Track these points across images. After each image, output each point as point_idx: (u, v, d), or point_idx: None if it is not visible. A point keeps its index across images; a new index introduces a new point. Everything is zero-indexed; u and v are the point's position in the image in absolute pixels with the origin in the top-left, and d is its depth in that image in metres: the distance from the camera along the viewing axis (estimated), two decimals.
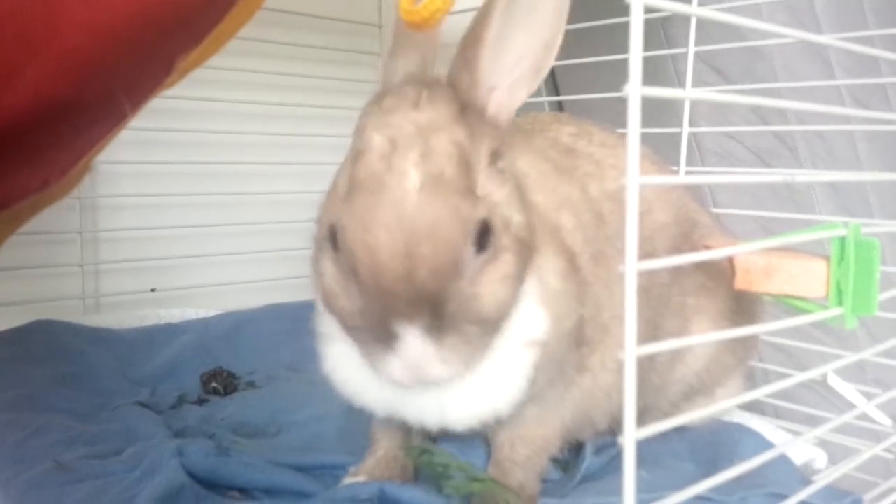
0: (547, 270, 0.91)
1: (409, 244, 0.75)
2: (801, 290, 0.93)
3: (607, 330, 1.01)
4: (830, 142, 2.05)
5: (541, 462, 1.03)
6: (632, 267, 0.64)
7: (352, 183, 0.80)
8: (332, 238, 0.82)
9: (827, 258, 0.91)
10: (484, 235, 0.80)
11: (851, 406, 1.56)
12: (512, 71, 0.88)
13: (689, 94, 0.74)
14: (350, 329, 0.83)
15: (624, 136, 1.18)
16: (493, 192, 0.83)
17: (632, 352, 0.64)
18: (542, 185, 0.98)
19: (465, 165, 0.80)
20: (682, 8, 0.66)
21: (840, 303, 0.90)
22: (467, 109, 0.84)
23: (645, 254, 1.05)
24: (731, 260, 0.97)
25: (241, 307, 1.80)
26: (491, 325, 0.82)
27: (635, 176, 0.63)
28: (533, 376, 0.89)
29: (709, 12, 0.70)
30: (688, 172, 1.51)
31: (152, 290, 1.88)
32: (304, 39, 2.00)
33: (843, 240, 0.88)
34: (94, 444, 1.16)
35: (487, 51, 0.85)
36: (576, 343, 0.97)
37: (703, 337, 0.94)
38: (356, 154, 0.81)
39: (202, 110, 1.89)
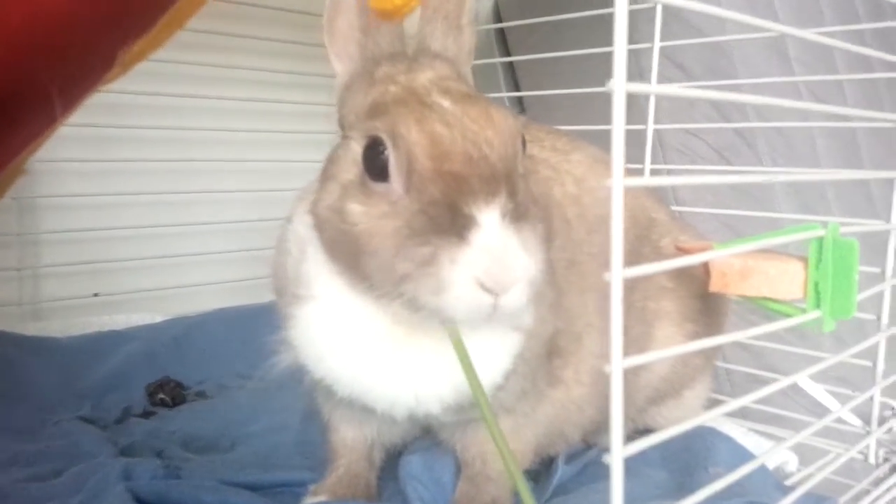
0: None
1: (473, 131, 0.73)
2: (779, 293, 0.90)
3: (580, 340, 0.98)
4: (789, 138, 2.05)
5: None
6: (617, 274, 0.60)
7: (376, 106, 0.77)
8: (369, 159, 0.75)
9: (803, 259, 0.88)
10: (524, 146, 0.78)
11: (817, 405, 1.55)
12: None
13: (668, 90, 0.71)
14: (390, 260, 0.71)
15: (570, 137, 1.16)
16: None
17: (618, 364, 0.60)
18: None
19: None
20: None
21: (818, 305, 0.87)
22: (459, 76, 0.83)
23: (609, 260, 1.02)
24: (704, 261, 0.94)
25: (190, 312, 1.73)
26: (547, 231, 0.77)
27: (620, 178, 0.59)
28: (515, 360, 0.86)
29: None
30: (652, 170, 1.48)
31: (95, 295, 1.79)
32: (258, 32, 1.92)
33: (821, 240, 0.86)
34: (33, 465, 1.09)
35: (468, 19, 0.87)
36: (548, 354, 0.94)
37: (691, 345, 0.90)
38: (373, 101, 0.79)
39: (147, 105, 1.80)
